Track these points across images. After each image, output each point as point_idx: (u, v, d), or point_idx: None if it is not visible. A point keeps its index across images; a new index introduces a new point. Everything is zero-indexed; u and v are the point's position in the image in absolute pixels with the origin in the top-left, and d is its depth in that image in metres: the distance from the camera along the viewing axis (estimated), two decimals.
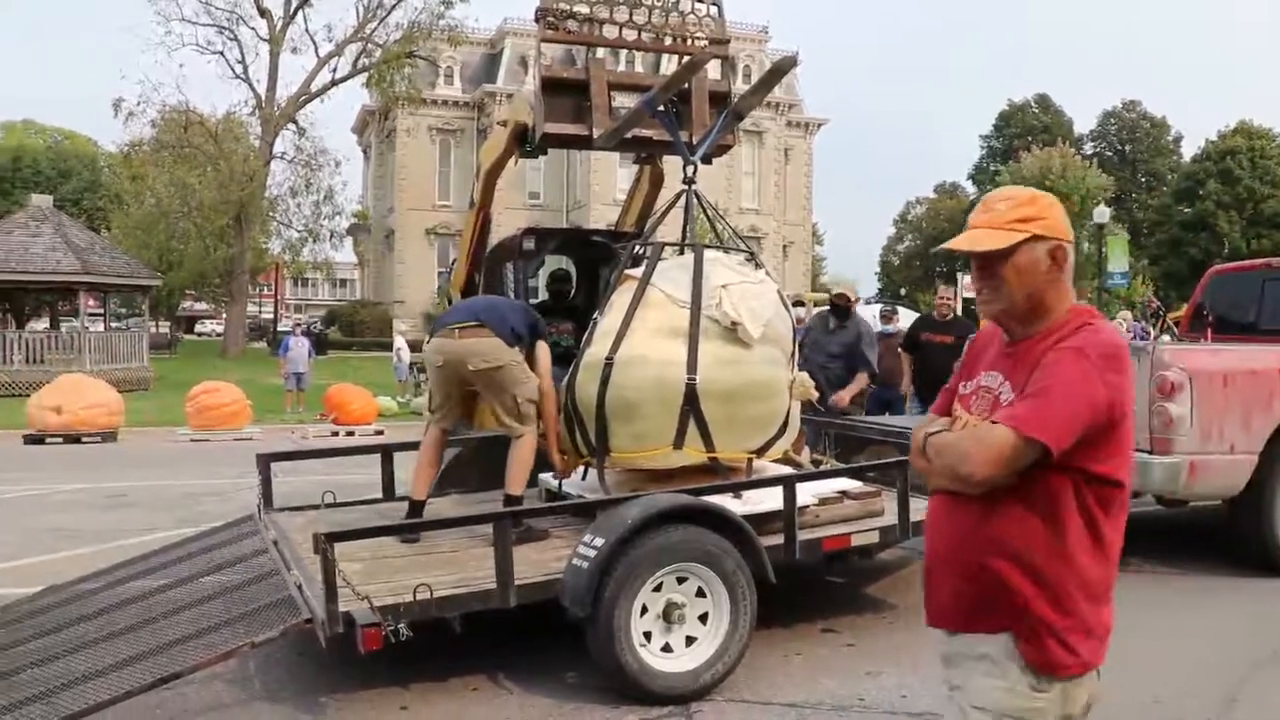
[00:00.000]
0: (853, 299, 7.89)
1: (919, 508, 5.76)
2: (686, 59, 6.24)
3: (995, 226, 2.20)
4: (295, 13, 39.53)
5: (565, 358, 5.95)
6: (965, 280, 28.60)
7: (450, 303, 7.58)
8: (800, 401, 5.74)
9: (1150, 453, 6.47)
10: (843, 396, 7.31)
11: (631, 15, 6.65)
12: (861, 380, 7.42)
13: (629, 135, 6.51)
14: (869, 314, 12.04)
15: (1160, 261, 53.85)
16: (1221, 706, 4.63)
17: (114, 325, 29.79)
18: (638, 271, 5.65)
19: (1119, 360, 2.12)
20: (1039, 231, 2.18)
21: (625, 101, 6.88)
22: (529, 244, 7.31)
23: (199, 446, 15.07)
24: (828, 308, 8.47)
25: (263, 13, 39.28)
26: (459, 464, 6.63)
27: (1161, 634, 5.56)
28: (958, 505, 2.20)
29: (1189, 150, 62.14)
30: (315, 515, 6.10)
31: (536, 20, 6.56)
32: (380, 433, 16.03)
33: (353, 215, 50.11)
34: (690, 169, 5.96)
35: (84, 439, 15.16)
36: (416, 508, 5.60)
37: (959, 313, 11.00)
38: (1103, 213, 32.18)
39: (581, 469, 5.81)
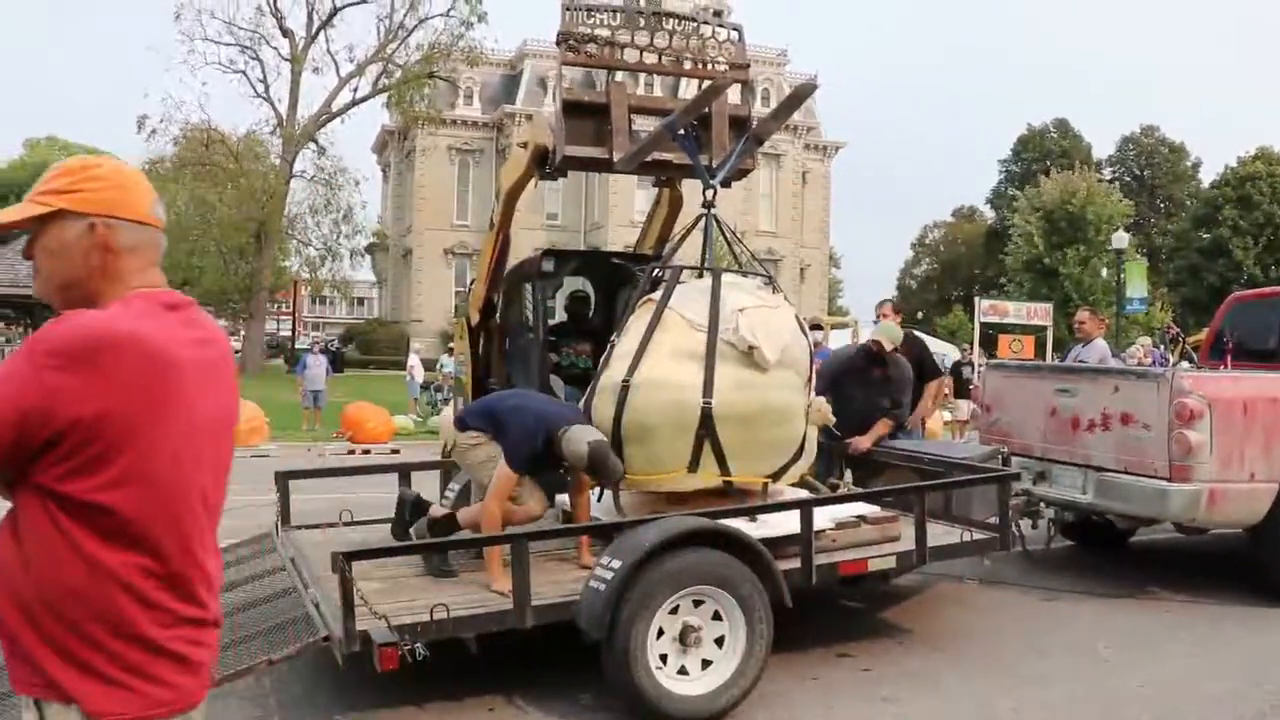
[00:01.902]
0: (888, 349, 7.53)
1: (937, 533, 5.76)
2: (707, 83, 6.27)
3: (29, 199, 1.81)
4: (317, 33, 39.87)
5: (583, 379, 5.96)
6: (985, 305, 28.53)
7: (469, 322, 7.61)
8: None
9: (1169, 480, 6.45)
10: (863, 442, 7.15)
11: (652, 39, 6.69)
12: (882, 427, 7.27)
13: (649, 158, 6.54)
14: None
15: (1179, 288, 53.55)
16: None
17: None
18: (657, 294, 5.67)
19: (76, 358, 1.63)
20: (68, 205, 1.78)
21: (645, 125, 6.93)
22: (548, 265, 7.33)
23: None
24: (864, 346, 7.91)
25: (285, 33, 39.62)
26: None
27: (1181, 664, 5.51)
28: None
29: (1208, 176, 61.93)
30: (332, 533, 6.13)
31: (558, 43, 6.60)
32: (396, 451, 16.04)
33: (372, 234, 50.37)
34: (710, 192, 5.98)
35: None
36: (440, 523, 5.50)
37: (976, 340, 10.72)
38: (1122, 238, 31.99)
39: (597, 490, 5.82)
